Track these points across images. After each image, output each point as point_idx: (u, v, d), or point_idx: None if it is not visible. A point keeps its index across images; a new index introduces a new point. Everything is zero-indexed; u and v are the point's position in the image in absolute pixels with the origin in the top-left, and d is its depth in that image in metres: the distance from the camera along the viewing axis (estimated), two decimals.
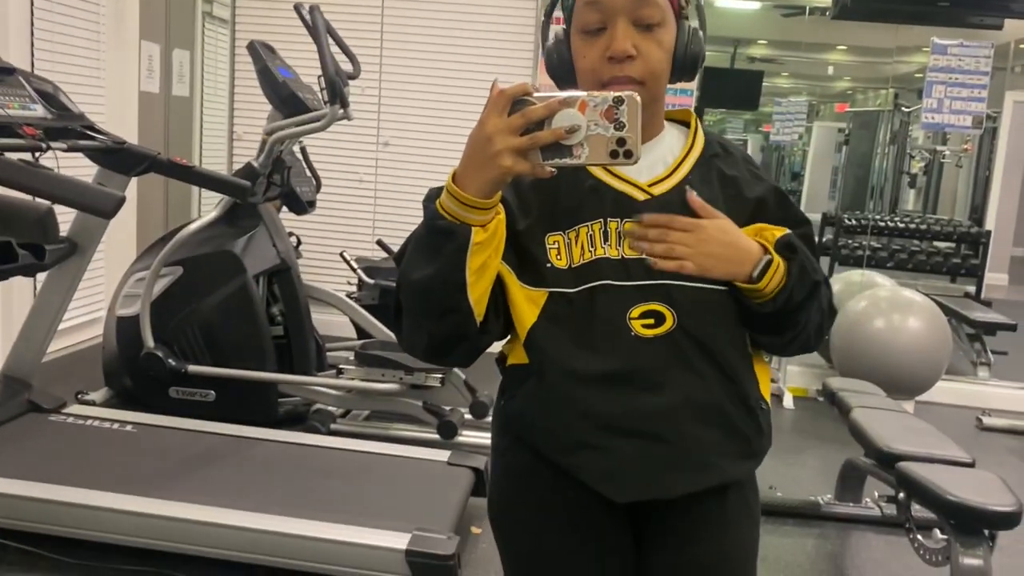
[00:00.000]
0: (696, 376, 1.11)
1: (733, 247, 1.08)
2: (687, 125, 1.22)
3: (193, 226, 3.39)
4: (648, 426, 1.10)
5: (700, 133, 1.21)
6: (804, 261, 1.11)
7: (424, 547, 2.25)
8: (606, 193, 1.12)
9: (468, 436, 3.40)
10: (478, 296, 1.05)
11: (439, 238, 1.01)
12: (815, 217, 8.18)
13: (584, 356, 1.10)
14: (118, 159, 2.83)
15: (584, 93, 0.95)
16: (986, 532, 2.30)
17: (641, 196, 1.12)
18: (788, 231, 1.13)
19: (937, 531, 2.44)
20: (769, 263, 1.08)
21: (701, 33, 1.16)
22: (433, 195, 1.05)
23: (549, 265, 1.10)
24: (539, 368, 1.12)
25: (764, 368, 1.20)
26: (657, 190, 1.13)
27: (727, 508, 1.19)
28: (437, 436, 3.36)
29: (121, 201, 2.32)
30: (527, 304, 1.12)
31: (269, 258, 3.54)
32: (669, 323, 1.10)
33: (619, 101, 0.94)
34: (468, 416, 3.53)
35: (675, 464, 1.12)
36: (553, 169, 0.97)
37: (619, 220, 1.10)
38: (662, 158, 1.16)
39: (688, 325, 1.10)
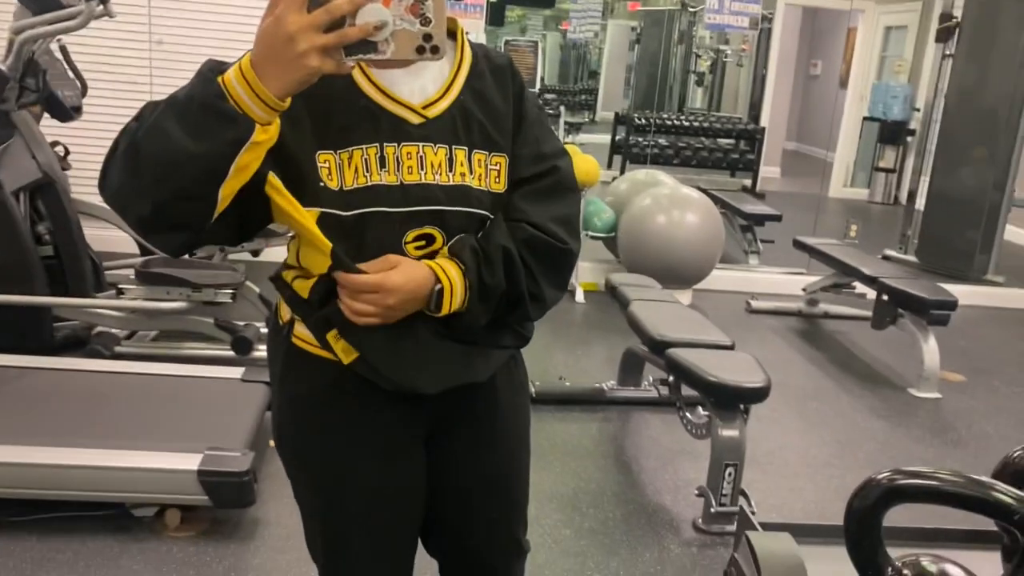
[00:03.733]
0: None
1: (410, 293, 1.10)
2: (453, 37, 1.19)
3: None
4: (423, 337, 1.15)
5: (467, 47, 1.19)
6: (478, 266, 1.13)
7: (216, 466, 2.24)
8: (380, 115, 1.10)
9: (264, 351, 3.34)
10: (228, 192, 1.01)
11: (216, 120, 0.95)
12: (608, 115, 8.49)
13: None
14: None
15: None
16: (741, 406, 2.60)
17: (415, 119, 1.12)
18: (462, 237, 1.14)
19: (700, 408, 2.73)
20: (440, 291, 1.11)
21: None
22: (214, 67, 0.98)
23: (321, 184, 1.08)
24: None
25: None
26: (431, 112, 1.13)
27: (502, 396, 1.28)
28: (232, 353, 3.29)
29: None
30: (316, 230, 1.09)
31: (29, 172, 3.23)
32: (439, 244, 1.13)
33: None
34: (264, 331, 3.47)
35: (451, 359, 1.17)
36: (353, 64, 0.96)
37: (396, 144, 1.10)
38: (433, 78, 1.15)
39: None
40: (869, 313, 4.14)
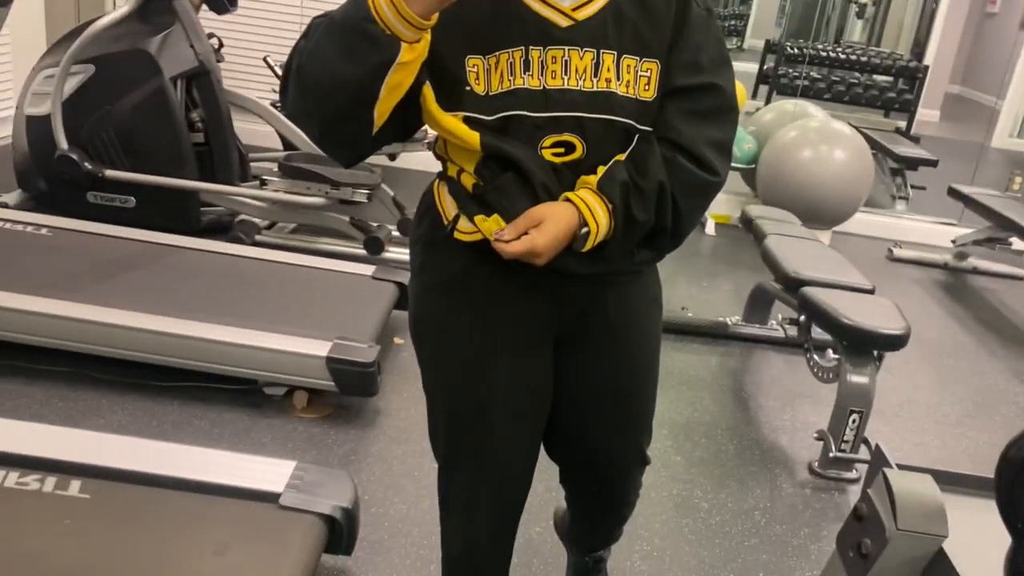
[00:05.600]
0: None
1: (558, 246, 1.10)
2: None
3: (103, 21, 3.18)
4: None
5: None
6: (628, 202, 1.11)
7: (344, 354, 2.32)
8: (528, 17, 1.08)
9: (394, 252, 3.43)
10: (383, 110, 1.03)
11: (365, 43, 0.97)
12: (758, 43, 8.06)
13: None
14: None
15: None
16: (875, 353, 2.48)
17: (564, 21, 1.09)
18: (612, 168, 1.11)
19: (830, 351, 2.62)
20: (586, 235, 1.11)
21: None
22: None
23: (468, 88, 1.08)
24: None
25: None
26: (581, 14, 1.09)
27: (635, 305, 1.28)
28: (363, 251, 3.38)
29: None
30: (461, 126, 1.10)
31: (187, 60, 3.36)
32: (579, 152, 1.12)
33: None
34: (395, 233, 3.54)
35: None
36: None
37: (541, 48, 1.08)
38: None
39: (595, 155, 1.12)
40: None
